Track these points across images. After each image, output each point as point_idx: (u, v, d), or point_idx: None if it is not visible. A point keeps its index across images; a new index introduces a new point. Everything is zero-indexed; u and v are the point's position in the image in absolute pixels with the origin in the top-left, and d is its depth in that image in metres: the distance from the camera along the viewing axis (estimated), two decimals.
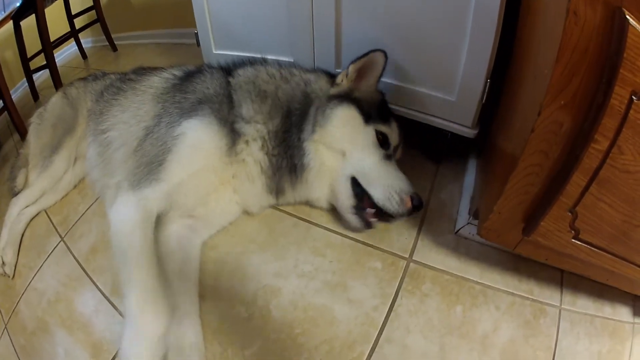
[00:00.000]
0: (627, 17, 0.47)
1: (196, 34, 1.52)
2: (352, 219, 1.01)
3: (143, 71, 1.39)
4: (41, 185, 1.42)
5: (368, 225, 1.00)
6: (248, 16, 1.31)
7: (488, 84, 0.94)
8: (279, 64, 1.14)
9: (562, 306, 0.88)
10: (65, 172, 1.44)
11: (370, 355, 0.83)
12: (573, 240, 0.70)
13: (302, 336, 0.88)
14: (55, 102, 1.53)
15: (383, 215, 0.99)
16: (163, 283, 0.86)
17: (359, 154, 1.00)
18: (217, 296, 0.98)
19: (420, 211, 0.99)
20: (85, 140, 1.41)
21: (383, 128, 1.03)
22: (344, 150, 1.01)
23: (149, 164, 0.99)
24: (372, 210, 0.98)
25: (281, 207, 1.16)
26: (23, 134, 2.05)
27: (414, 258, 0.99)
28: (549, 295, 0.90)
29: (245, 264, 1.04)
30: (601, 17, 0.49)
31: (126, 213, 0.93)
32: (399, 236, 1.04)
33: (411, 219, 1.07)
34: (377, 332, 0.86)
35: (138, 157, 1.06)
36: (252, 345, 0.88)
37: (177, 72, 1.26)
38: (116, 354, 0.93)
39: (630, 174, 0.57)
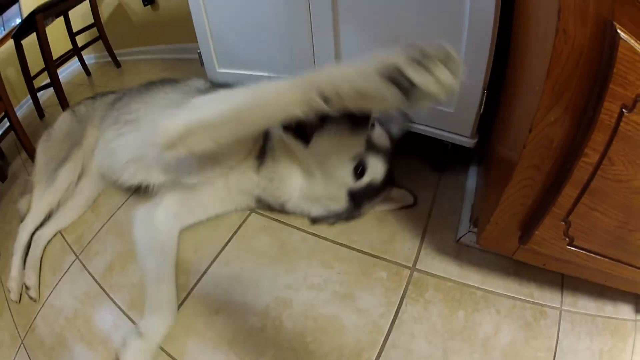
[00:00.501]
0: (618, 31, 0.48)
1: (199, 53, 1.54)
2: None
3: (150, 86, 1.43)
4: (47, 200, 1.42)
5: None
6: (249, 35, 1.34)
7: (485, 94, 0.96)
8: None
9: (563, 307, 0.90)
10: (69, 185, 1.45)
11: None
12: (568, 247, 0.72)
13: (313, 344, 0.91)
14: (62, 120, 1.57)
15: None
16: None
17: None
18: (231, 310, 1.01)
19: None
20: (92, 154, 1.45)
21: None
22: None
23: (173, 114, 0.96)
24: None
25: (290, 223, 1.19)
26: (31, 152, 2.07)
27: (417, 267, 1.02)
28: (550, 298, 0.91)
29: (257, 277, 1.07)
30: (591, 32, 0.50)
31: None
32: (403, 246, 1.07)
33: (415, 228, 1.10)
34: (383, 338, 0.89)
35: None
36: (266, 353, 0.91)
37: (203, 86, 1.32)
38: None
39: (623, 183, 0.59)
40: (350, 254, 1.08)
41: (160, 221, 1.16)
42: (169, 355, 0.96)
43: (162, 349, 0.98)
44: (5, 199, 1.91)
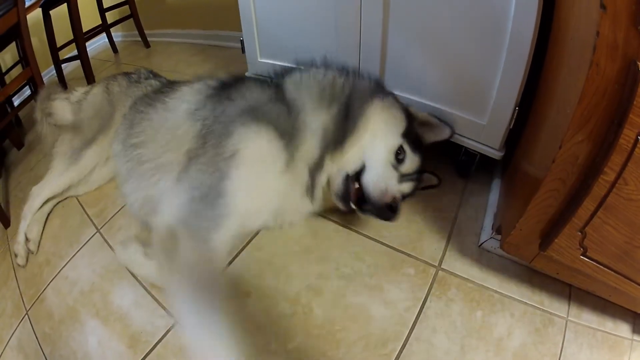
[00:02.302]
0: None
1: (241, 40, 1.63)
2: (339, 187, 1.05)
3: (172, 84, 1.39)
4: (69, 177, 1.45)
5: (347, 203, 1.05)
6: (296, 27, 1.43)
7: (516, 111, 1.08)
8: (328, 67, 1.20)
9: (569, 318, 0.99)
10: (94, 168, 1.47)
11: (401, 351, 0.94)
12: (581, 257, 0.83)
13: (341, 332, 0.98)
14: (96, 95, 1.54)
15: (362, 200, 1.05)
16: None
17: (381, 146, 1.08)
18: (261, 293, 1.08)
19: (391, 218, 1.03)
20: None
21: (408, 150, 1.12)
22: (376, 136, 1.08)
23: (204, 197, 0.87)
24: (356, 185, 1.04)
25: (323, 213, 1.26)
26: None
27: (442, 266, 1.11)
28: (558, 307, 1.01)
29: (289, 264, 1.14)
30: (619, 68, 0.60)
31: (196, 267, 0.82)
32: (430, 246, 1.16)
33: (441, 230, 1.20)
34: (408, 331, 0.97)
35: (186, 187, 0.92)
36: (294, 339, 0.97)
37: (211, 82, 1.20)
38: (155, 345, 1.01)
39: (633, 202, 0.70)
40: (380, 248, 1.17)
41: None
42: None
43: None
44: (21, 167, 1.99)
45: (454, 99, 1.19)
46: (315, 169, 1.06)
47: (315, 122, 1.04)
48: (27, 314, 1.20)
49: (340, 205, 1.09)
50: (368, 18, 1.21)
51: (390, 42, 1.22)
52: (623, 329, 0.99)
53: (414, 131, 1.16)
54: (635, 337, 0.98)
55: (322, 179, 1.09)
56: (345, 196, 1.06)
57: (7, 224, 1.62)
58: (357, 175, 1.06)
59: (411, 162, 1.13)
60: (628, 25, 0.57)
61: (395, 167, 1.10)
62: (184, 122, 1.10)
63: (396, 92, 1.23)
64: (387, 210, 1.01)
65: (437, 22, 1.10)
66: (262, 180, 0.95)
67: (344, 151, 1.06)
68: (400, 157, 1.10)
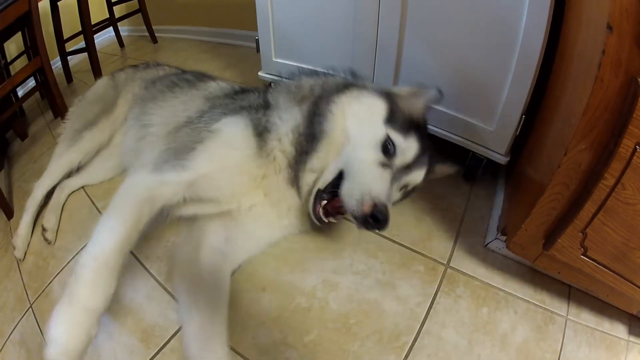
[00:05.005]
0: None
1: (257, 40, 1.69)
2: (311, 203, 1.03)
3: (202, 76, 1.51)
4: (67, 159, 1.48)
5: (318, 216, 1.01)
6: (313, 30, 1.50)
7: (523, 118, 1.17)
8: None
9: (568, 317, 1.07)
10: (96, 151, 1.51)
11: (412, 344, 1.00)
12: (582, 256, 0.91)
13: (356, 326, 1.04)
14: (100, 84, 1.65)
15: (338, 210, 1.01)
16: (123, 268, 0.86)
17: (358, 144, 1.01)
18: (277, 288, 1.13)
19: (378, 229, 0.93)
20: (124, 125, 1.52)
21: (396, 137, 1.02)
22: (350, 134, 1.02)
23: (177, 149, 1.03)
24: (327, 196, 1.01)
25: None
26: (63, 113, 2.15)
27: (450, 265, 1.19)
28: (558, 306, 1.09)
29: (304, 260, 1.20)
30: (621, 83, 0.67)
31: (135, 190, 0.95)
32: (439, 245, 1.24)
33: (450, 230, 1.27)
34: (419, 326, 1.04)
35: (169, 140, 1.13)
36: (311, 332, 1.03)
37: (236, 87, 1.38)
38: (169, 340, 1.04)
39: (630, 205, 0.77)
40: (392, 246, 1.25)
41: (206, 265, 1.06)
42: None
43: None
44: (25, 158, 2.02)
45: (464, 105, 1.28)
46: (297, 166, 1.07)
47: (285, 122, 1.09)
48: (31, 307, 1.21)
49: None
50: (385, 24, 1.30)
51: (406, 49, 1.31)
52: (619, 330, 1.07)
53: (402, 113, 1.07)
54: (631, 338, 1.05)
55: (307, 179, 1.06)
56: (313, 212, 1.03)
57: (10, 215, 1.65)
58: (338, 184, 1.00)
59: (407, 149, 1.04)
60: (632, 44, 0.65)
61: (387, 164, 1.01)
62: (199, 99, 1.30)
63: None
64: (370, 222, 0.91)
65: (451, 33, 1.19)
66: (227, 156, 1.05)
67: (319, 157, 1.04)
68: (390, 149, 1.01)
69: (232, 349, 0.99)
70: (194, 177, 0.99)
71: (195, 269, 1.06)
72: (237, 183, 1.08)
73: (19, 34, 2.38)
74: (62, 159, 1.49)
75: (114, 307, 1.11)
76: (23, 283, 1.30)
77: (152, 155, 1.11)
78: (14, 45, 2.70)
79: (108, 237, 0.85)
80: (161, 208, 0.97)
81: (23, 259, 1.38)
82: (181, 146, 1.04)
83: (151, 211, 0.93)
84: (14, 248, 1.38)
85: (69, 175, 1.55)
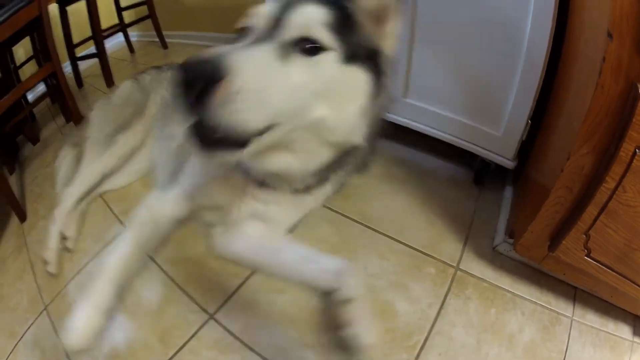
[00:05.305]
0: None
1: None
2: None
3: None
4: (102, 165, 1.45)
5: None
6: None
7: (528, 124, 1.20)
8: None
9: (574, 318, 1.09)
10: (131, 154, 1.47)
11: (424, 343, 1.03)
12: (586, 257, 0.94)
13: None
14: (124, 87, 1.59)
15: None
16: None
17: None
18: (294, 289, 1.07)
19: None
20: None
21: None
22: None
23: (181, 162, 1.04)
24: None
25: (349, 215, 1.37)
26: (75, 118, 2.16)
27: (460, 267, 1.22)
28: (564, 307, 1.11)
29: None
30: (621, 89, 0.69)
31: (140, 211, 1.00)
32: (449, 248, 1.27)
33: (459, 233, 1.30)
34: (430, 325, 1.07)
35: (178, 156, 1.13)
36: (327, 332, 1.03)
37: None
38: (188, 340, 1.06)
39: (631, 208, 0.80)
40: (404, 249, 1.28)
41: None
42: (226, 329, 1.08)
43: (218, 322, 1.09)
44: (37, 162, 2.02)
45: (472, 112, 1.32)
46: None
47: None
48: (45, 309, 1.21)
49: None
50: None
51: (415, 59, 1.35)
52: (624, 331, 1.09)
53: None
54: (636, 339, 1.07)
55: None
56: None
57: (23, 218, 1.61)
58: None
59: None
60: (631, 51, 0.67)
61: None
62: None
63: (419, 104, 1.37)
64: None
65: (459, 42, 1.23)
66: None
67: None
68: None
69: (250, 348, 1.04)
70: (182, 189, 1.00)
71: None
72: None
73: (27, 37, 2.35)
74: (95, 166, 1.45)
75: (132, 308, 1.14)
76: (37, 285, 1.30)
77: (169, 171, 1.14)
78: (22, 49, 2.66)
79: (113, 254, 0.93)
80: (169, 222, 0.99)
81: (57, 273, 1.32)
82: (182, 161, 1.05)
83: (157, 229, 0.98)
84: (46, 263, 1.31)
85: (101, 181, 1.52)
